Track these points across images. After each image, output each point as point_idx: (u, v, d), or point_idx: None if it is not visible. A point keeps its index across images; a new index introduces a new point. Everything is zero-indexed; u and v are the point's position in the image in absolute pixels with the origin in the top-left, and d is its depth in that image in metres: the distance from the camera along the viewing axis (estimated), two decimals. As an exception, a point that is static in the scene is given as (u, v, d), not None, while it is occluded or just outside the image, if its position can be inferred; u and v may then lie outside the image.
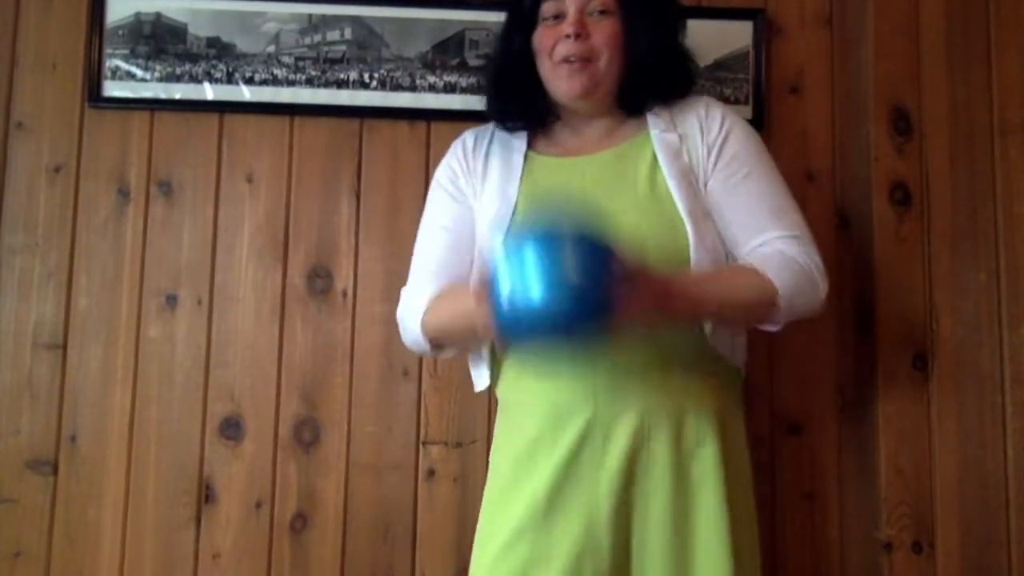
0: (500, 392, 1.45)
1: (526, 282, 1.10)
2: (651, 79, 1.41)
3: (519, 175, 1.42)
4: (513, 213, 1.38)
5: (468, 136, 1.52)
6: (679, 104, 1.44)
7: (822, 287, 1.34)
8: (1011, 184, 1.76)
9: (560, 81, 1.39)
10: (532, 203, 1.38)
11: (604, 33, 1.37)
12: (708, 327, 1.33)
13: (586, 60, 1.37)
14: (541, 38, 1.40)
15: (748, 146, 1.40)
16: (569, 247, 1.11)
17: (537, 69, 1.42)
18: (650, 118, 1.42)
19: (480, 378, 1.46)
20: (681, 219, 1.31)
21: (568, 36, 1.36)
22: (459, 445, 1.78)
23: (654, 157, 1.38)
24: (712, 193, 1.37)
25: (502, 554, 1.31)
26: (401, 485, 1.77)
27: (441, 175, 1.50)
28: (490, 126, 1.52)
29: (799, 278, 1.31)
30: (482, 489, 1.43)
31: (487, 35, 1.81)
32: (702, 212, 1.34)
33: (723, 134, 1.39)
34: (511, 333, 1.16)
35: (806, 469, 1.79)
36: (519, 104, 1.46)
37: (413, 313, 1.42)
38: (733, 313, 1.32)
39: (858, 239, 1.80)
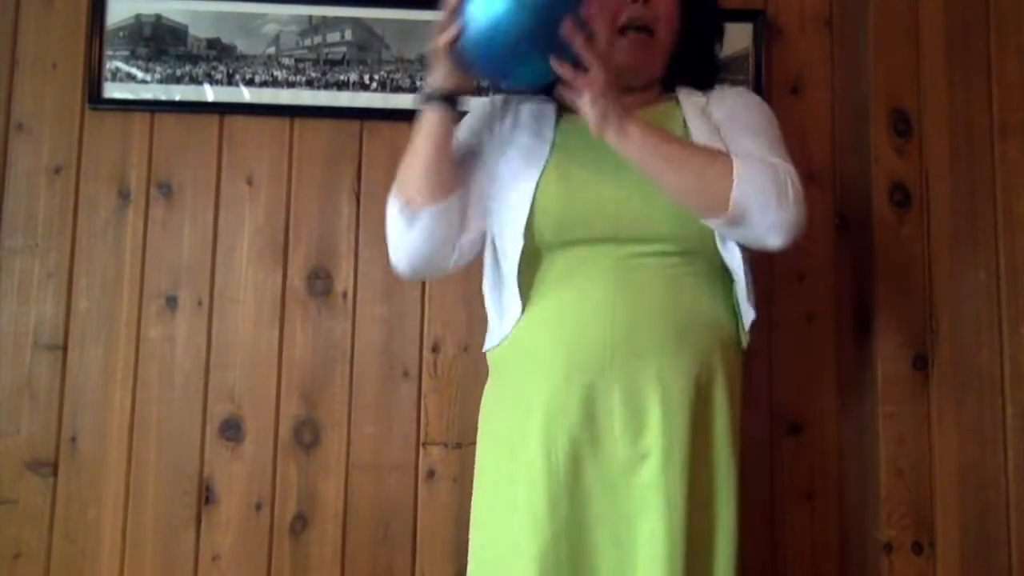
0: (501, 352, 1.37)
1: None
2: (695, 64, 1.42)
3: (553, 122, 1.37)
4: (551, 151, 1.33)
5: (496, 96, 1.47)
6: (709, 91, 1.43)
7: (792, 200, 1.21)
8: (1011, 184, 1.76)
9: (620, 52, 1.33)
10: (569, 148, 1.33)
11: (664, 3, 1.35)
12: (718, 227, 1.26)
13: (647, 28, 1.34)
14: (603, 1, 1.32)
15: (759, 105, 1.40)
16: None
17: None
18: (680, 91, 1.41)
19: (512, 309, 1.34)
20: None
21: (635, 1, 1.33)
22: (459, 446, 1.78)
23: (684, 122, 1.36)
24: (717, 124, 1.34)
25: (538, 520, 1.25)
26: (401, 486, 1.77)
27: (473, 105, 1.46)
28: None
29: (765, 177, 1.22)
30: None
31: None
32: None
33: (734, 94, 1.41)
34: (476, 42, 1.19)
35: (806, 469, 1.79)
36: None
37: (393, 200, 1.37)
38: (676, 168, 1.23)
39: (858, 239, 1.80)
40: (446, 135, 1.33)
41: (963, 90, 1.79)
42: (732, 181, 1.20)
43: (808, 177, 1.84)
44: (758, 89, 1.85)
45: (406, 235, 1.35)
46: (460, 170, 1.37)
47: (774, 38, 1.88)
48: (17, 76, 1.82)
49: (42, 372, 1.77)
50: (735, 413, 1.31)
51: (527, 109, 1.42)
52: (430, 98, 1.31)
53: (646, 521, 1.23)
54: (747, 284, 1.32)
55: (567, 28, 1.14)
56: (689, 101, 1.39)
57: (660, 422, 1.25)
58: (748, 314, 1.33)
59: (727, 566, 1.27)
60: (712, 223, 1.25)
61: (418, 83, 1.84)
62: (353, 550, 1.75)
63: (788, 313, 1.82)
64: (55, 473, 1.75)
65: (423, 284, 1.81)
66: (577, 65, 1.17)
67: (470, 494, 1.36)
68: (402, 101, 1.84)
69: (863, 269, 1.77)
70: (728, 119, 1.35)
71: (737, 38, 1.86)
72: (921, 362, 1.72)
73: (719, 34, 1.49)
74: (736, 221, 1.22)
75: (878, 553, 1.69)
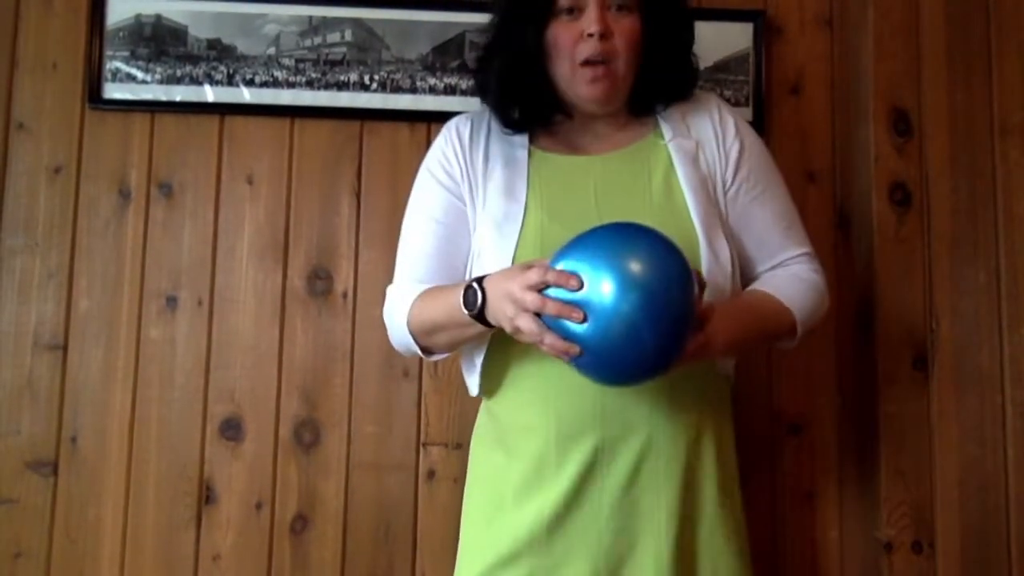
0: (494, 407, 1.38)
1: (626, 311, 1.07)
2: (664, 80, 1.37)
3: (525, 173, 1.35)
4: (524, 213, 1.31)
5: (462, 125, 1.42)
6: (688, 104, 1.40)
7: (827, 302, 1.42)
8: (1011, 184, 1.76)
9: (583, 86, 1.31)
10: (545, 204, 1.32)
11: (625, 32, 1.30)
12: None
13: (608, 64, 1.30)
14: (558, 36, 1.30)
15: (761, 159, 1.41)
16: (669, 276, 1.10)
17: (547, 67, 1.34)
18: (662, 120, 1.39)
19: (473, 385, 1.40)
20: (695, 231, 1.29)
21: (591, 35, 1.28)
22: (459, 446, 1.78)
23: (670, 163, 1.34)
24: (730, 209, 1.36)
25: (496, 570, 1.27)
26: (401, 486, 1.77)
27: (433, 163, 1.42)
28: (483, 113, 1.43)
29: (813, 301, 1.38)
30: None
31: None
32: (717, 224, 1.32)
33: (738, 144, 1.38)
34: (597, 366, 1.12)
35: (806, 469, 1.79)
36: (529, 105, 1.37)
37: (400, 311, 1.36)
38: (757, 344, 1.40)
39: (858, 239, 1.80)
40: (479, 337, 1.31)
41: (963, 90, 1.79)
42: (795, 329, 1.35)
43: (808, 177, 1.85)
44: (758, 89, 1.85)
45: (416, 352, 1.38)
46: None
47: (774, 38, 1.88)
48: (17, 76, 1.82)
49: (42, 372, 1.77)
50: (725, 471, 1.33)
51: (496, 151, 1.39)
52: (478, 319, 1.23)
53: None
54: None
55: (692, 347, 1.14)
56: (677, 144, 1.36)
57: (650, 483, 1.27)
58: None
59: None
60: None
61: (418, 83, 1.84)
62: (353, 550, 1.76)
63: (788, 313, 1.82)
64: (55, 473, 1.75)
65: (423, 284, 1.81)
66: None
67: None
68: (402, 101, 1.84)
69: (863, 269, 1.77)
70: (745, 205, 1.38)
71: (737, 38, 1.86)
72: (921, 362, 1.72)
73: (689, 43, 1.41)
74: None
75: (878, 553, 1.69)
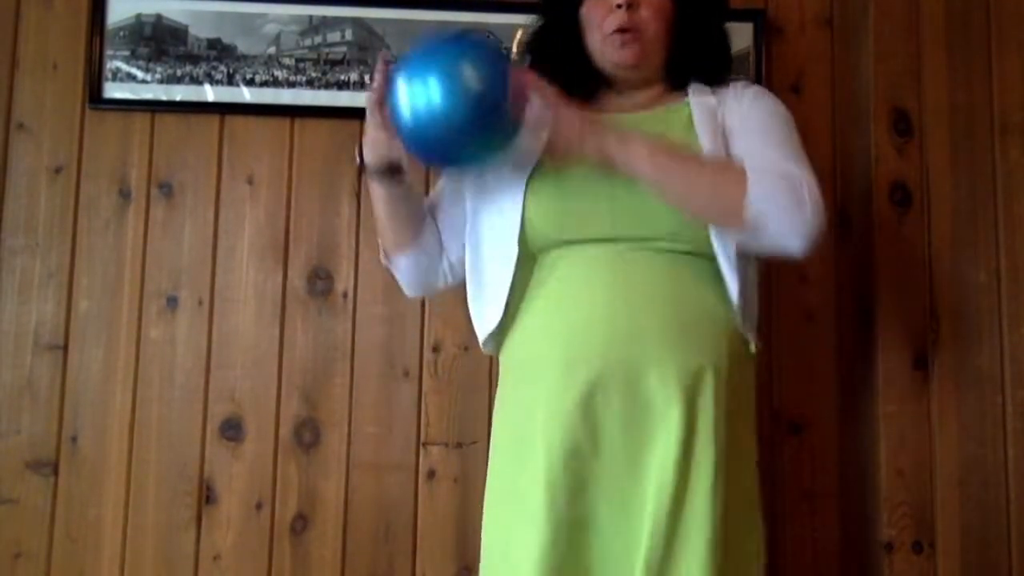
0: (506, 353, 1.38)
1: (427, 91, 1.16)
2: (696, 56, 1.42)
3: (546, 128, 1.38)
4: (538, 159, 1.35)
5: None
6: (721, 86, 1.43)
7: (809, 204, 1.21)
8: (1011, 184, 1.76)
9: (612, 51, 1.37)
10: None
11: (653, 6, 1.36)
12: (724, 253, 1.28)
13: (636, 31, 1.36)
14: (590, 10, 1.39)
15: (775, 107, 1.40)
16: (464, 55, 1.18)
17: (584, 42, 1.41)
18: (691, 90, 1.42)
19: (491, 317, 1.37)
20: None
21: (619, 6, 1.34)
22: (459, 446, 1.78)
23: (690, 118, 1.36)
24: (730, 130, 1.35)
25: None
26: (401, 486, 1.77)
27: None
28: None
29: (777, 185, 1.22)
30: (483, 490, 1.42)
31: (488, 36, 1.81)
32: None
33: (751, 96, 1.39)
34: (416, 145, 1.22)
35: (806, 469, 1.80)
36: (567, 77, 1.41)
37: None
38: (685, 182, 1.25)
39: (858, 239, 1.80)
40: (393, 200, 1.38)
41: (964, 90, 1.79)
42: (745, 191, 1.20)
43: (808, 177, 1.85)
44: (758, 89, 1.85)
45: (395, 274, 1.47)
46: (422, 218, 1.43)
47: (774, 38, 1.88)
48: (18, 76, 1.82)
49: (43, 372, 1.77)
50: (729, 408, 1.28)
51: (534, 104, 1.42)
52: (367, 172, 1.37)
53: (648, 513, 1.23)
54: (741, 290, 1.29)
55: (515, 87, 1.20)
56: (699, 101, 1.39)
57: (662, 415, 1.24)
58: (749, 319, 1.33)
59: (699, 557, 1.23)
60: (732, 234, 1.26)
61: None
62: (353, 550, 1.76)
63: (788, 313, 1.82)
64: (56, 473, 1.75)
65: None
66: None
67: (470, 494, 1.36)
68: (402, 101, 1.84)
69: (863, 269, 1.77)
70: (743, 125, 1.35)
71: (737, 38, 1.85)
72: (921, 362, 1.72)
73: (720, 21, 1.47)
74: (754, 230, 1.22)
75: (878, 553, 1.69)
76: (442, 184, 1.48)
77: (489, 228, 1.38)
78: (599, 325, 1.27)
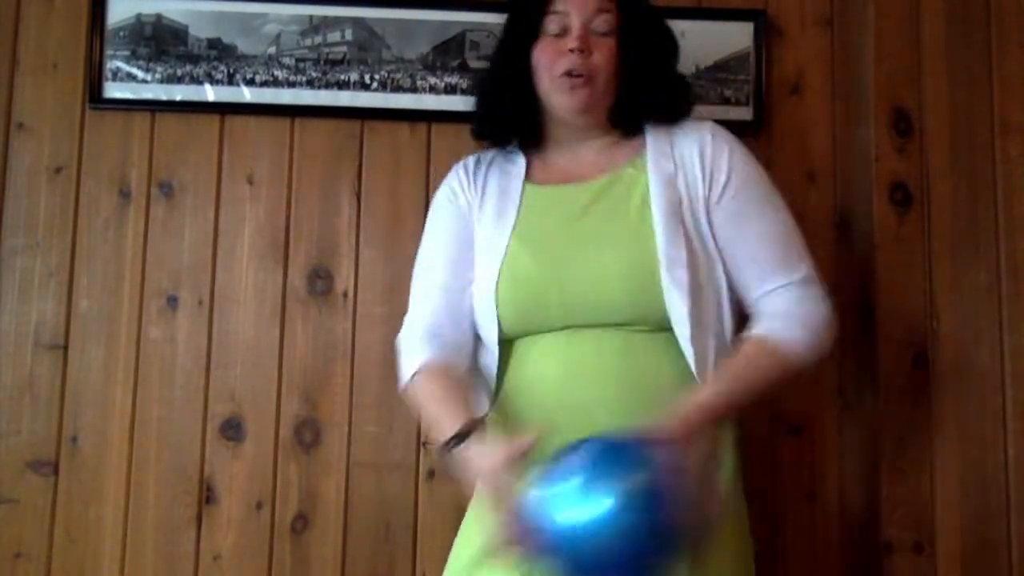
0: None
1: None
2: (644, 99, 1.42)
3: (517, 203, 1.42)
4: (508, 243, 1.38)
5: (469, 159, 1.52)
6: (681, 128, 1.43)
7: (829, 333, 1.36)
8: (1011, 184, 1.76)
9: (561, 95, 1.38)
10: (523, 232, 1.39)
11: (604, 52, 1.37)
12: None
13: (587, 76, 1.36)
14: (542, 52, 1.39)
15: (755, 183, 1.40)
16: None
17: (534, 84, 1.41)
18: (649, 140, 1.42)
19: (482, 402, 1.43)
20: (657, 257, 1.31)
21: (572, 50, 1.36)
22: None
23: (645, 195, 1.37)
24: (718, 229, 1.36)
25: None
26: (402, 485, 1.77)
27: (440, 195, 1.51)
28: (490, 151, 1.51)
29: (812, 333, 1.34)
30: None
31: (488, 36, 1.81)
32: (682, 249, 1.32)
33: (727, 165, 1.38)
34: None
35: (806, 469, 1.80)
36: (512, 119, 1.45)
37: (405, 372, 1.41)
38: (758, 396, 1.33)
39: (858, 239, 1.80)
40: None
41: (964, 89, 1.79)
42: (800, 358, 1.32)
43: (808, 177, 1.85)
44: (758, 89, 1.85)
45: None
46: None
47: (774, 38, 1.88)
48: (18, 76, 1.82)
49: (43, 372, 1.77)
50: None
51: (494, 183, 1.47)
52: (440, 452, 1.30)
53: None
54: (699, 361, 1.32)
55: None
56: (657, 165, 1.39)
57: None
58: None
59: None
60: None
61: (418, 82, 1.84)
62: (354, 550, 1.76)
63: (788, 313, 1.82)
64: (56, 473, 1.75)
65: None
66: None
67: (471, 494, 1.35)
68: (403, 101, 1.84)
69: (863, 269, 1.77)
70: (734, 222, 1.36)
71: (737, 38, 1.86)
72: (921, 362, 1.72)
73: (671, 65, 1.47)
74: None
75: (878, 553, 1.69)
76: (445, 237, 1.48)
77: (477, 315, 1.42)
78: (551, 404, 1.31)
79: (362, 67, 1.85)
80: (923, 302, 1.73)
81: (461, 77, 1.84)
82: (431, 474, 1.77)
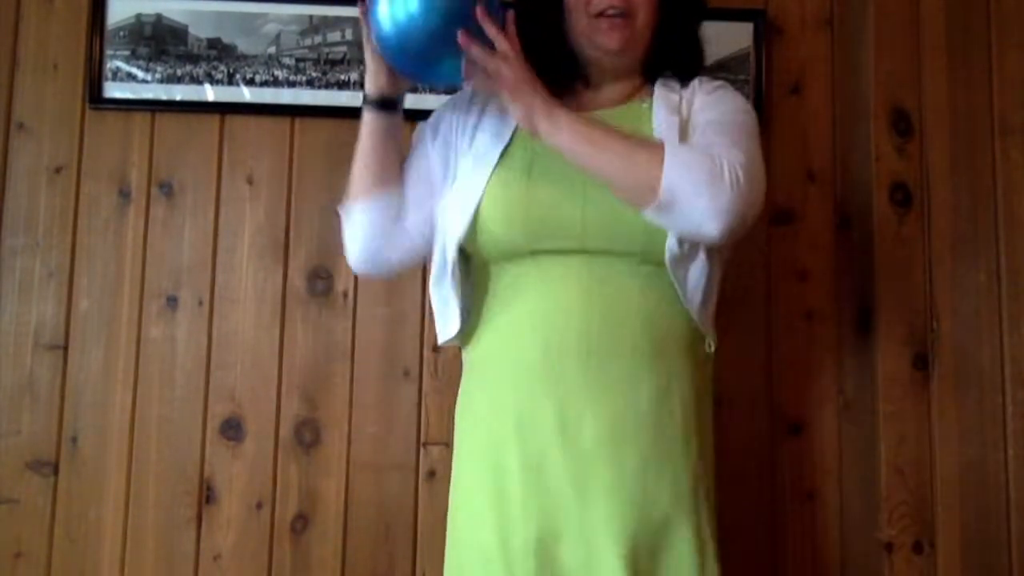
0: (474, 352, 1.37)
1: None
2: (675, 50, 1.39)
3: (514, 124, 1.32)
4: (511, 140, 1.32)
5: (465, 89, 1.42)
6: (690, 82, 1.40)
7: (728, 184, 1.16)
8: (1011, 184, 1.77)
9: (599, 34, 1.32)
10: (530, 152, 1.31)
11: None
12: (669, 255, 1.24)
13: (626, 16, 1.32)
14: None
15: (732, 100, 1.36)
16: None
17: (565, 27, 1.35)
18: (659, 82, 1.39)
19: (448, 324, 1.36)
20: None
21: None
22: (460, 446, 1.78)
23: (649, 112, 1.34)
24: (691, 122, 1.32)
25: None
26: (402, 486, 1.77)
27: (431, 118, 1.45)
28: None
29: (697, 162, 1.18)
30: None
31: None
32: None
33: (720, 91, 1.36)
34: (387, 45, 1.23)
35: (806, 469, 1.80)
36: (547, 65, 1.35)
37: (345, 212, 1.38)
38: (603, 153, 1.20)
39: (858, 239, 1.80)
40: (379, 135, 1.34)
41: (964, 89, 1.79)
42: (660, 164, 1.16)
43: (808, 177, 1.85)
44: (758, 89, 1.85)
45: (345, 230, 1.38)
46: (398, 168, 1.37)
47: (774, 38, 1.88)
48: (18, 76, 1.82)
49: (43, 372, 1.77)
50: (698, 417, 1.30)
51: (494, 103, 1.38)
52: (364, 101, 1.35)
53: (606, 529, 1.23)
54: (703, 304, 1.30)
55: (479, 15, 1.18)
56: (663, 95, 1.36)
57: (628, 426, 1.25)
58: (705, 320, 1.33)
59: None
60: (646, 214, 1.19)
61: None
62: (354, 550, 1.76)
63: (788, 313, 1.82)
64: (56, 473, 1.75)
65: (423, 284, 1.81)
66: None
67: None
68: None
69: (863, 269, 1.77)
70: (701, 115, 1.32)
71: (737, 38, 1.86)
72: (921, 362, 1.72)
73: (699, 20, 1.45)
74: (666, 208, 1.17)
75: (878, 553, 1.69)
76: (415, 143, 1.43)
77: (444, 226, 1.35)
78: (575, 341, 1.25)
79: (362, 67, 1.83)
80: (923, 302, 1.73)
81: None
82: (431, 474, 1.77)
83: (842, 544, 1.78)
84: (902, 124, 1.77)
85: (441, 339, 1.38)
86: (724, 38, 1.86)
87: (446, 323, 1.37)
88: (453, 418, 1.79)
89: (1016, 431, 1.70)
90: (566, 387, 1.25)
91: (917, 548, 1.68)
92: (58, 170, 1.81)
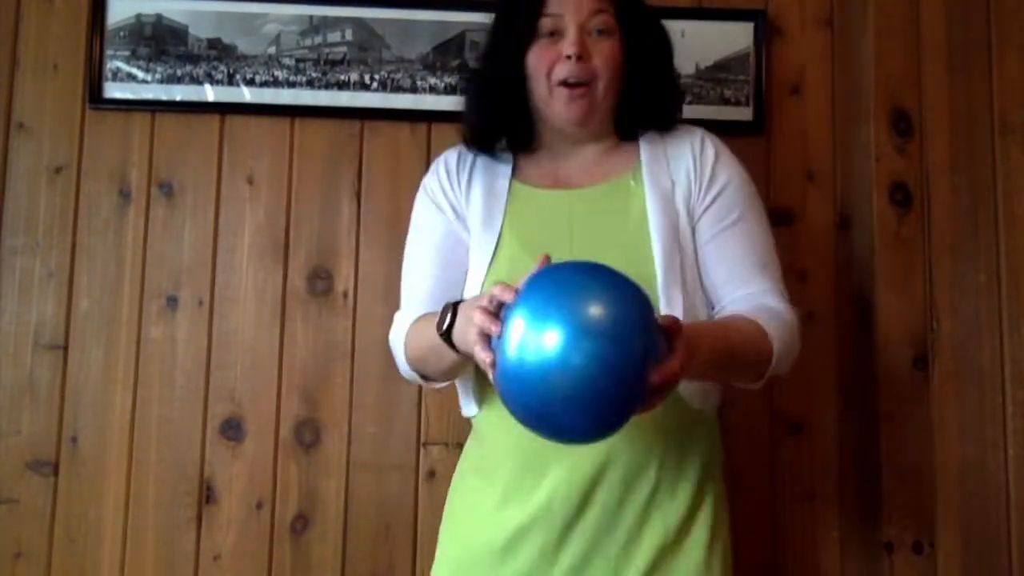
0: (477, 422, 1.40)
1: (542, 326, 0.94)
2: (647, 105, 1.37)
3: (503, 204, 1.36)
4: (497, 244, 1.32)
5: (450, 156, 1.44)
6: (673, 134, 1.39)
7: (797, 339, 1.32)
8: (1011, 184, 1.76)
9: (559, 106, 1.32)
10: (518, 235, 1.32)
11: (604, 55, 1.31)
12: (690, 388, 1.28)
13: (585, 84, 1.30)
14: (538, 58, 1.32)
15: (740, 191, 1.35)
16: (602, 290, 0.97)
17: (527, 91, 1.35)
18: (643, 150, 1.37)
19: (467, 406, 1.39)
20: (655, 278, 1.26)
21: (568, 57, 1.29)
22: (459, 446, 1.75)
23: (644, 209, 1.32)
24: (700, 235, 1.32)
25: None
26: (402, 486, 1.77)
27: (425, 190, 1.44)
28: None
29: (788, 335, 1.28)
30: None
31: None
32: (678, 272, 1.28)
33: (712, 173, 1.34)
34: (510, 387, 1.00)
35: (806, 469, 1.79)
36: (505, 128, 1.39)
37: (399, 340, 1.37)
38: (730, 371, 1.26)
39: (858, 239, 1.80)
40: (459, 361, 1.24)
41: (964, 89, 1.79)
42: (770, 360, 1.26)
43: (808, 177, 1.85)
44: (758, 89, 1.85)
45: (420, 381, 1.41)
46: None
47: (774, 38, 1.88)
48: (18, 76, 1.82)
49: (43, 372, 1.77)
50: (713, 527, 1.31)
51: (479, 181, 1.39)
52: (445, 339, 1.21)
53: None
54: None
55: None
56: (652, 172, 1.34)
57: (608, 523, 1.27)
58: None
59: None
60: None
61: (419, 83, 1.84)
62: (354, 550, 1.76)
63: (788, 313, 1.82)
64: (56, 473, 1.75)
65: (423, 284, 1.81)
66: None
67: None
68: (402, 101, 1.84)
69: (863, 269, 1.77)
70: (718, 225, 1.33)
71: (737, 38, 1.86)
72: (921, 362, 1.72)
73: (669, 68, 1.42)
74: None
75: (878, 553, 1.69)
76: (431, 225, 1.41)
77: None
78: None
79: (362, 67, 1.85)
80: (923, 302, 1.73)
81: (461, 77, 1.83)
82: (431, 474, 1.77)
83: (842, 544, 1.78)
84: (902, 124, 1.77)
85: (464, 414, 1.43)
86: (724, 38, 1.86)
87: (466, 404, 1.40)
88: (453, 418, 1.81)
89: (1016, 431, 1.70)
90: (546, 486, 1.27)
91: (917, 548, 1.68)
92: (58, 170, 1.81)
